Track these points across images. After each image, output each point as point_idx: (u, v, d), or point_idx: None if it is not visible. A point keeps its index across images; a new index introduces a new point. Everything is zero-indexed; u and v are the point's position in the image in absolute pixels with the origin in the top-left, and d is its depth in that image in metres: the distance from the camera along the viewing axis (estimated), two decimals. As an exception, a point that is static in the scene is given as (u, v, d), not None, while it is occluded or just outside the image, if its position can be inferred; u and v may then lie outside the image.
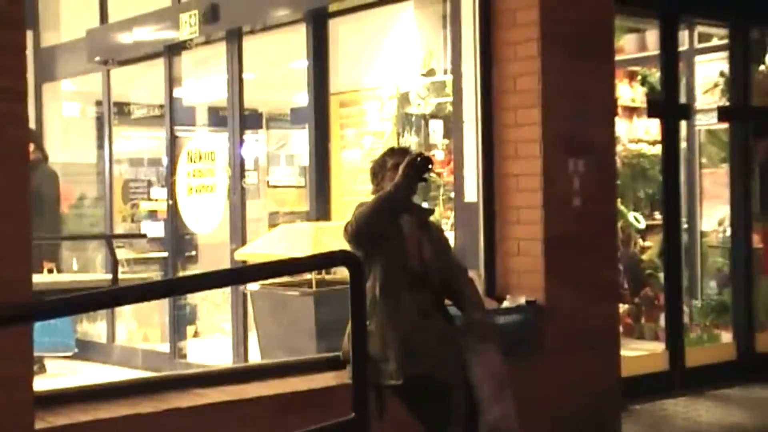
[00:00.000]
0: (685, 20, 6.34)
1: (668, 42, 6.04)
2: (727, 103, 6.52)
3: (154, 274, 7.67)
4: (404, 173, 3.45)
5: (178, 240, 7.18)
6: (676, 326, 5.91)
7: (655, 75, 6.70)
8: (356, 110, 6.45)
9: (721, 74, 6.65)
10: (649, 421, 5.13)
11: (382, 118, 6.36)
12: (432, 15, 6.37)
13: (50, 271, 6.55)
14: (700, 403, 5.53)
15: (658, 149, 6.45)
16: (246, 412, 3.41)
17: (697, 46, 6.72)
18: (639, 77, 7.10)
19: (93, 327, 7.81)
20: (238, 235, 6.52)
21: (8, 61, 2.91)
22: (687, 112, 6.32)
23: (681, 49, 6.26)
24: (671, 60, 6.03)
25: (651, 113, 6.35)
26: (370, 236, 3.54)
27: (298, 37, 6.34)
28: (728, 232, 6.49)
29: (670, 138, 6.06)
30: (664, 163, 6.04)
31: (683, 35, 6.46)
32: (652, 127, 6.94)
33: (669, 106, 6.05)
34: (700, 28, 6.67)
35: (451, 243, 4.38)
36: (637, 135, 7.13)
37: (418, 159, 3.47)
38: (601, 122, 4.84)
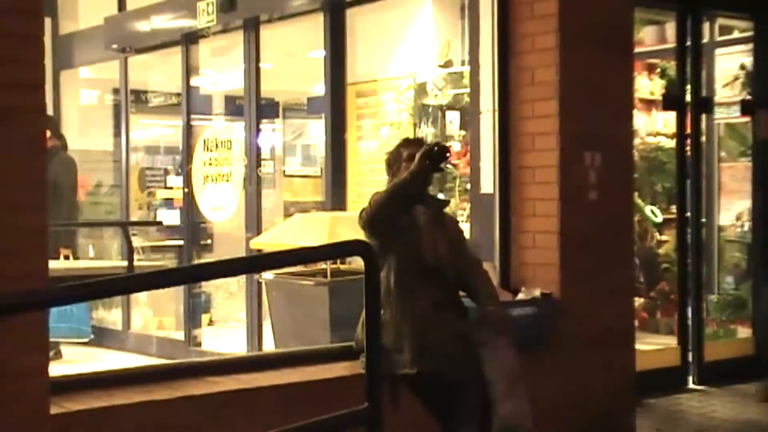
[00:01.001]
0: (706, 12, 6.27)
1: (688, 34, 5.97)
2: (748, 97, 6.45)
3: (169, 262, 7.70)
4: (420, 161, 3.43)
5: (194, 228, 7.20)
6: (692, 321, 5.87)
7: (674, 68, 6.63)
8: (373, 100, 6.44)
9: (742, 67, 6.59)
10: (664, 416, 5.11)
11: (399, 109, 6.35)
12: (450, 5, 6.34)
13: (66, 257, 6.58)
14: (715, 398, 5.50)
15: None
16: (259, 401, 3.42)
17: (718, 38, 6.66)
18: (658, 70, 7.03)
19: (109, 314, 7.86)
20: (254, 223, 6.54)
21: (25, 52, 2.89)
22: (706, 105, 6.26)
23: (701, 41, 6.20)
24: (691, 52, 5.97)
25: (667, 106, 6.29)
26: (385, 223, 3.53)
27: (315, 26, 6.33)
28: (746, 227, 6.44)
29: (687, 131, 6.01)
30: (681, 157, 5.99)
31: (703, 27, 6.39)
32: (671, 121, 6.88)
33: (687, 99, 5.99)
34: (720, 21, 6.60)
35: (467, 234, 4.37)
36: (655, 128, 7.07)
37: (435, 148, 3.45)
38: (618, 115, 4.81)
